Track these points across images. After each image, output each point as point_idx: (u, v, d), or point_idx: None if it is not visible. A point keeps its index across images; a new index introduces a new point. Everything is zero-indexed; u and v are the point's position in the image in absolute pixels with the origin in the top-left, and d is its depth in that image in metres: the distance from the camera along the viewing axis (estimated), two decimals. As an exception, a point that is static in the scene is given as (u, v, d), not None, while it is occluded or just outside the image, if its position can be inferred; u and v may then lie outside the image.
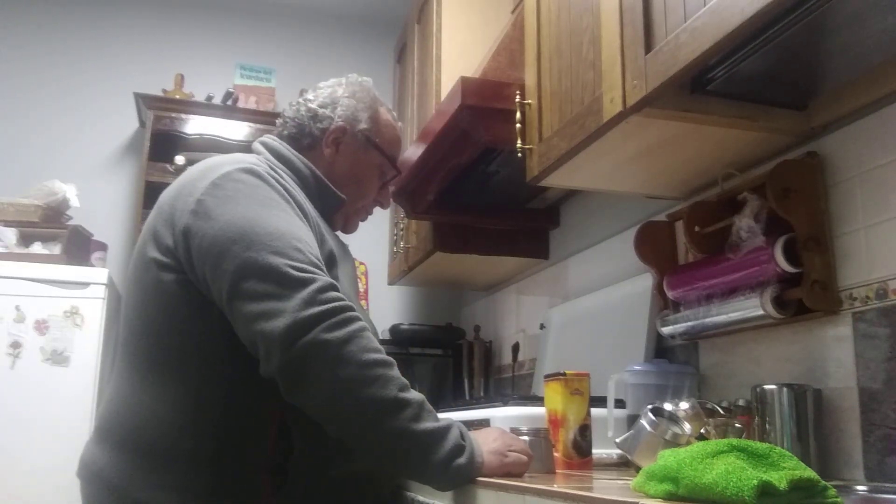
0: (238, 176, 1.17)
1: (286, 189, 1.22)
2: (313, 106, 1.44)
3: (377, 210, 1.58)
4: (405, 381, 1.07)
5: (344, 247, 1.41)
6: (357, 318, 1.07)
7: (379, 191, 1.52)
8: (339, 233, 1.48)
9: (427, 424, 1.03)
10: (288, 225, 1.13)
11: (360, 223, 1.54)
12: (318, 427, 1.10)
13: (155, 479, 1.11)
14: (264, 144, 1.40)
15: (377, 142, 1.47)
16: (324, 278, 1.07)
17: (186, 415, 1.12)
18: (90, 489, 1.18)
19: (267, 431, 1.13)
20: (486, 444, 1.08)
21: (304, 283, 1.05)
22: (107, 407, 1.21)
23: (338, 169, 1.43)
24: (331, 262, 1.23)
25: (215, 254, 1.09)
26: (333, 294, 1.06)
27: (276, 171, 1.26)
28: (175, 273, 1.15)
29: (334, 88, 1.47)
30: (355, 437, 1.06)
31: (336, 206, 1.41)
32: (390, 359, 1.08)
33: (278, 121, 1.48)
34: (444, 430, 1.04)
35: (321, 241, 1.23)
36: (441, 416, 1.09)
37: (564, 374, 1.28)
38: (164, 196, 1.22)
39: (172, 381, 1.14)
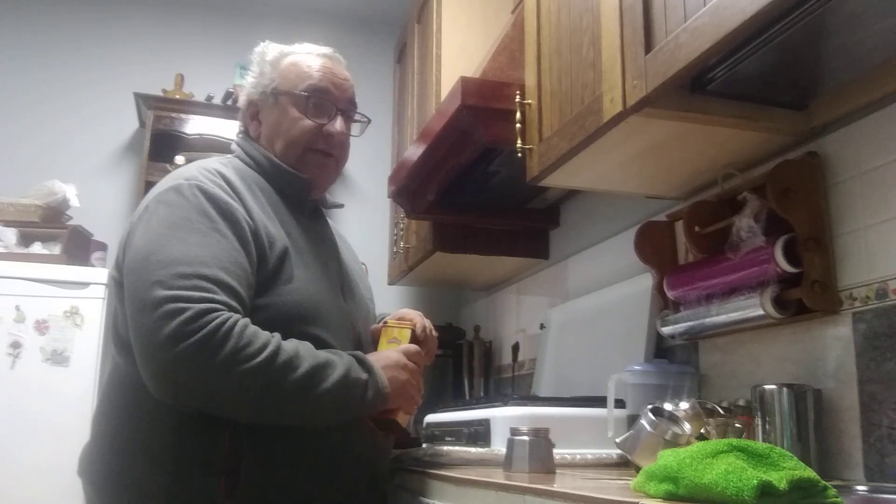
0: (164, 197, 1.21)
1: (216, 200, 1.20)
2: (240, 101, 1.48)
3: (377, 210, 1.58)
4: (287, 353, 1.12)
5: (320, 235, 1.40)
6: (229, 331, 1.07)
7: (323, 123, 1.38)
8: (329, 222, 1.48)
9: (328, 383, 1.14)
10: (186, 248, 1.13)
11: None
12: (269, 431, 1.16)
13: (122, 480, 1.17)
14: (238, 143, 1.45)
15: (277, 88, 1.40)
16: (196, 307, 1.07)
17: (146, 419, 1.17)
18: (83, 484, 1.25)
19: (221, 435, 1.15)
20: (390, 380, 1.24)
21: (173, 315, 1.06)
22: (95, 407, 1.30)
23: (266, 137, 1.41)
24: (283, 257, 1.24)
25: (125, 285, 1.17)
26: (203, 321, 1.06)
27: (222, 175, 1.26)
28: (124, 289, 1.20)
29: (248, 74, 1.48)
30: (283, 420, 1.17)
31: (302, 187, 1.39)
32: (268, 345, 1.11)
33: None
34: (343, 383, 1.16)
35: (270, 242, 1.23)
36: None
37: (386, 323, 1.39)
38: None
39: (135, 386, 1.17)
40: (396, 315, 1.45)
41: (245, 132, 1.46)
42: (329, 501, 1.24)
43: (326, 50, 1.47)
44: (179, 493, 1.14)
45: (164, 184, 1.25)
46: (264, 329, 1.14)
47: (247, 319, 1.12)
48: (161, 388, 1.09)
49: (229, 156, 1.42)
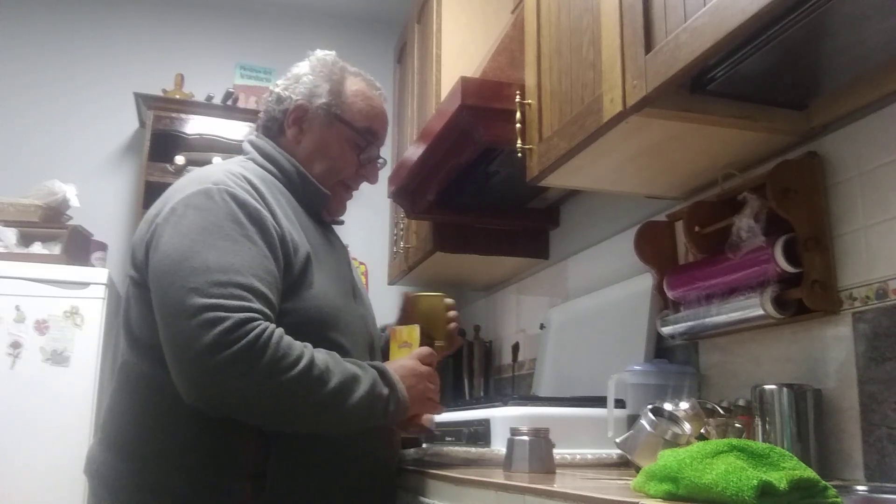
0: (192, 200, 1.18)
1: (246, 206, 1.19)
2: (277, 90, 1.43)
3: (377, 210, 1.59)
4: (320, 366, 1.12)
5: (331, 241, 1.40)
6: (268, 341, 1.07)
7: (362, 165, 1.45)
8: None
9: (355, 397, 1.15)
10: (220, 255, 1.12)
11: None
12: (294, 435, 1.16)
13: (140, 481, 1.16)
14: (252, 143, 1.42)
15: (339, 114, 1.40)
16: (236, 316, 1.07)
17: (168, 421, 1.15)
18: (92, 486, 1.23)
19: (246, 438, 1.15)
20: (409, 389, 1.25)
21: (213, 324, 1.05)
22: (106, 407, 1.27)
23: (303, 149, 1.39)
24: (306, 262, 1.24)
25: (153, 287, 1.15)
26: (243, 330, 1.06)
27: (248, 181, 1.25)
28: (147, 289, 1.18)
29: (298, 68, 1.45)
30: (310, 429, 1.18)
31: (321, 201, 1.40)
32: (303, 356, 1.11)
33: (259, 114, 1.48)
34: (369, 398, 1.17)
35: (294, 248, 1.23)
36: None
37: (392, 328, 1.41)
38: (148, 213, 1.27)
39: (154, 387, 1.17)
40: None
41: (265, 133, 1.42)
42: (350, 502, 1.25)
43: (381, 88, 1.50)
44: (203, 496, 1.13)
45: (189, 186, 1.22)
46: (289, 334, 1.14)
47: (282, 329, 1.12)
48: (198, 395, 1.08)
49: (242, 157, 1.39)
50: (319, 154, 1.40)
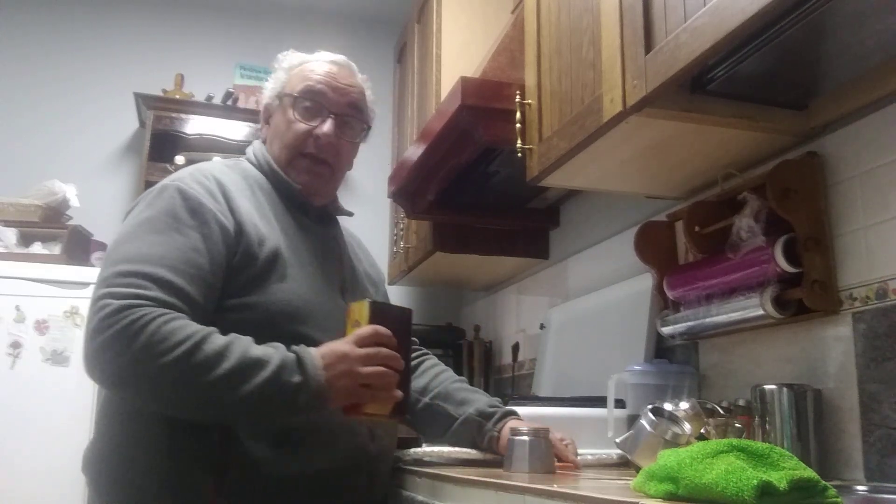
0: (147, 197, 1.26)
1: (189, 200, 1.21)
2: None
3: (377, 210, 1.59)
4: (208, 351, 1.09)
5: (319, 236, 1.40)
6: (144, 326, 1.08)
7: (312, 129, 1.38)
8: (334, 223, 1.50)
9: (251, 384, 1.09)
10: (140, 247, 1.17)
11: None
12: (257, 429, 1.17)
13: (120, 478, 1.19)
14: (252, 145, 1.49)
15: (281, 91, 1.43)
16: (118, 302, 1.09)
17: (142, 419, 1.18)
18: (87, 481, 1.26)
19: (208, 432, 1.16)
20: (337, 377, 1.13)
21: (100, 310, 1.10)
22: (99, 404, 1.30)
23: (269, 139, 1.45)
24: (274, 256, 1.25)
25: None
26: (119, 316, 1.08)
27: (215, 177, 1.28)
28: None
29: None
30: (204, 415, 1.15)
31: (293, 194, 1.39)
32: (187, 340, 1.09)
33: None
34: (270, 385, 1.09)
35: (259, 242, 1.24)
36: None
37: (350, 304, 1.26)
38: None
39: None
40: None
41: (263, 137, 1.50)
42: (319, 499, 1.24)
43: (338, 57, 1.48)
44: (172, 492, 1.15)
45: (160, 183, 1.29)
46: (255, 327, 1.15)
47: (173, 314, 1.11)
48: (90, 376, 1.13)
49: (241, 157, 1.47)
50: (274, 135, 1.44)
